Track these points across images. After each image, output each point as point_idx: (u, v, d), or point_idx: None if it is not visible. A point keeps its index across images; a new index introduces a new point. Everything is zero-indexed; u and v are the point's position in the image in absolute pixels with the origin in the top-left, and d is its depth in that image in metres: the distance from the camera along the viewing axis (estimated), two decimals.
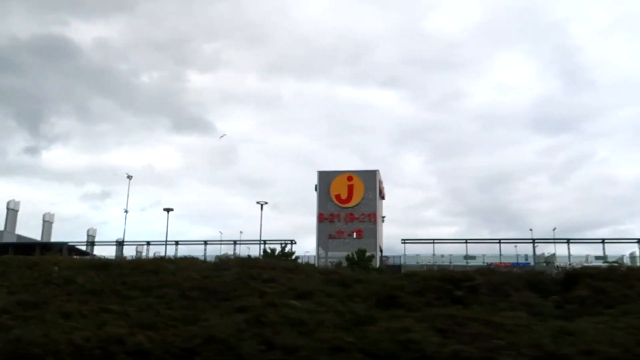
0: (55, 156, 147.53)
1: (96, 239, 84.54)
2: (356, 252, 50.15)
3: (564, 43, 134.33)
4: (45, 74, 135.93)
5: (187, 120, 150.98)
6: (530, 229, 67.23)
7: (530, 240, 61.60)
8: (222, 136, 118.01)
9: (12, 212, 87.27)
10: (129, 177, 65.11)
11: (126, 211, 63.19)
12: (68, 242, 68.11)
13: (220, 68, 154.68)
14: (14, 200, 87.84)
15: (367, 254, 50.45)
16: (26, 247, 72.18)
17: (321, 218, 65.35)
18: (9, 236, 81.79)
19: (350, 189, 65.97)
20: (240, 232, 72.63)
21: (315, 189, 66.99)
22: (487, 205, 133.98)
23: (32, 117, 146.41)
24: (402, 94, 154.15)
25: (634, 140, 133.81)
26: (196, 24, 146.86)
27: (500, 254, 59.04)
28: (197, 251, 67.21)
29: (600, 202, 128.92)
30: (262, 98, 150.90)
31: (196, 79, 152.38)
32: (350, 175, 66.52)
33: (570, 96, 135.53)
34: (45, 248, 70.06)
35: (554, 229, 67.06)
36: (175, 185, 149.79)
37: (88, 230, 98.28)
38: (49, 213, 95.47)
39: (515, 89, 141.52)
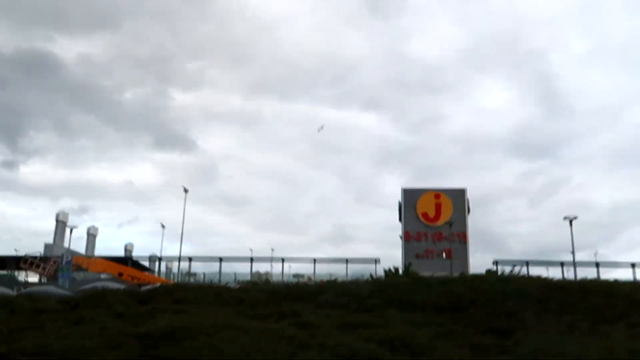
0: (32, 170, 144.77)
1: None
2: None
3: (543, 70, 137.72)
4: (27, 88, 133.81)
5: (169, 137, 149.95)
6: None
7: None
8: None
9: (61, 223, 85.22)
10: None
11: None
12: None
13: (203, 86, 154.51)
14: (63, 212, 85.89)
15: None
16: None
17: (407, 237, 62.13)
18: (53, 249, 79.48)
19: (438, 207, 62.89)
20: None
21: (399, 207, 64.04)
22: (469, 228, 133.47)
23: (10, 131, 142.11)
24: (384, 116, 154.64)
25: (608, 166, 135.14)
26: (180, 42, 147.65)
27: None
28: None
29: (576, 226, 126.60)
30: (245, 117, 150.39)
31: (179, 97, 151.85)
32: (437, 194, 63.54)
33: (549, 122, 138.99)
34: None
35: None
36: (154, 202, 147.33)
37: (126, 245, 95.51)
38: (93, 227, 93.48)
39: (495, 114, 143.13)
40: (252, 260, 65.12)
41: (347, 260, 63.50)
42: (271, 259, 65.29)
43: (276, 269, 65.48)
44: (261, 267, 67.45)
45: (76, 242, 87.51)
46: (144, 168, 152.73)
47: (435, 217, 62.56)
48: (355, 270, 60.25)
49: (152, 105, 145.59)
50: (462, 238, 61.79)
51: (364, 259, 62.52)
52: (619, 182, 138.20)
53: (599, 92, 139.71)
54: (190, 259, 64.61)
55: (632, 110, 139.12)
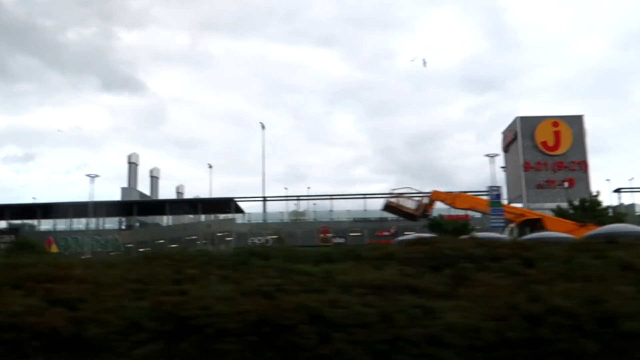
0: None
1: None
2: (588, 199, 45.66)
3: (492, 4, 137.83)
4: None
5: (116, 79, 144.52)
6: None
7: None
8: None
9: (133, 166, 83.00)
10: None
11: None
12: (234, 198, 63.53)
13: (149, 25, 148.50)
14: (135, 154, 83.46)
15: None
16: (157, 205, 67.54)
17: (527, 167, 60.34)
18: (131, 193, 77.56)
19: (557, 135, 60.67)
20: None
21: (515, 137, 61.85)
22: (416, 162, 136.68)
23: None
24: (336, 52, 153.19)
25: (554, 98, 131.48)
26: None
27: None
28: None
29: None
30: (194, 56, 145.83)
31: (125, 36, 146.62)
32: (555, 121, 61.09)
33: (498, 56, 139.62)
34: (210, 204, 65.79)
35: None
36: (103, 147, 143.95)
37: (177, 187, 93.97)
38: (156, 168, 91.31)
39: (445, 49, 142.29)
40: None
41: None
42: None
43: None
44: None
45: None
46: (91, 111, 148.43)
47: (554, 146, 60.56)
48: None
49: (97, 46, 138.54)
50: (583, 166, 60.10)
51: None
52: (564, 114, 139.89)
53: (546, 25, 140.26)
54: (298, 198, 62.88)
55: (579, 43, 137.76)
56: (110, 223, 65.86)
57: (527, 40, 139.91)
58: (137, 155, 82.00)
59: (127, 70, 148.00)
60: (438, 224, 43.11)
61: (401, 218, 49.55)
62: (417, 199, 41.87)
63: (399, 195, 43.40)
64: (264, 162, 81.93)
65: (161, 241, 62.45)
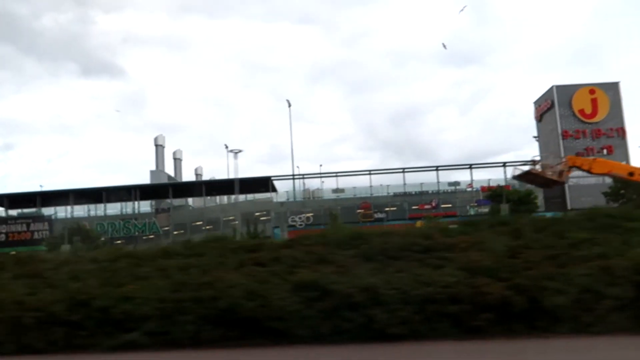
0: None
1: None
2: None
3: None
4: None
5: (95, 64, 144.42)
6: None
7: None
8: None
9: (160, 148, 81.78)
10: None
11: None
12: (271, 177, 62.68)
13: (125, 7, 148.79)
14: (161, 136, 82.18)
15: None
16: (194, 186, 66.53)
17: (566, 135, 60.05)
18: (160, 176, 76.48)
19: (594, 102, 60.25)
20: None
21: (552, 105, 61.45)
22: (398, 138, 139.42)
23: None
24: (316, 30, 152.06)
25: (530, 72, 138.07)
26: None
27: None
28: None
29: (502, 131, 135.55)
30: (172, 38, 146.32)
31: (101, 20, 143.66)
32: (592, 88, 60.61)
33: (477, 30, 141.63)
34: (245, 184, 64.76)
35: None
36: (83, 134, 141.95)
37: (196, 169, 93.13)
38: (179, 150, 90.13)
39: (425, 24, 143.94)
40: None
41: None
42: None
43: None
44: None
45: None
46: (70, 99, 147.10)
47: (592, 114, 60.18)
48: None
49: (74, 31, 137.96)
50: (621, 133, 59.93)
51: None
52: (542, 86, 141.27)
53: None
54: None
55: (557, 17, 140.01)
56: (143, 207, 64.96)
57: (506, 14, 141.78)
58: (163, 137, 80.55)
59: (106, 55, 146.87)
60: (499, 195, 42.78)
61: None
62: (552, 166, 39.56)
63: (535, 163, 40.25)
64: (292, 140, 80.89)
65: (198, 223, 61.79)
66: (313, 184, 64.91)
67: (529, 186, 49.45)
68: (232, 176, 61.94)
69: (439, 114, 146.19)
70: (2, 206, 66.73)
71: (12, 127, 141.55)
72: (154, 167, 79.95)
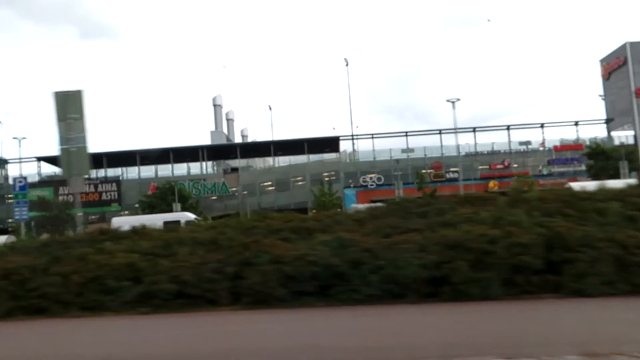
0: None
1: None
2: None
3: None
4: None
5: (93, 27, 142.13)
6: None
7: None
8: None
9: (218, 108, 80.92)
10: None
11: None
12: (340, 137, 61.96)
13: None
14: (219, 96, 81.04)
15: None
16: (262, 147, 65.85)
17: (639, 93, 59.39)
18: (220, 136, 75.94)
19: None
20: None
21: (624, 62, 60.55)
22: (399, 102, 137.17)
23: None
24: None
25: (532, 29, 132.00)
26: None
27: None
28: None
29: (503, 93, 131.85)
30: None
31: None
32: None
33: None
34: (313, 144, 64.13)
35: None
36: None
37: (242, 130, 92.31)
38: (231, 111, 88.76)
39: None
40: None
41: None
42: None
43: None
44: None
45: None
46: (69, 61, 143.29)
47: None
48: None
49: None
50: None
51: None
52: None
53: None
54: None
55: None
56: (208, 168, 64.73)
57: None
58: (220, 97, 79.56)
59: (104, 17, 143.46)
60: (600, 153, 42.59)
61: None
62: None
63: None
64: (350, 102, 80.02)
65: (266, 183, 61.74)
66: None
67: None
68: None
69: (439, 77, 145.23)
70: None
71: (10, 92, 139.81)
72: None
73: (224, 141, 73.17)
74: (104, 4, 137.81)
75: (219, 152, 65.21)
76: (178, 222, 32.78)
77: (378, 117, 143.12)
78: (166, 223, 32.70)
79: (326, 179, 58.28)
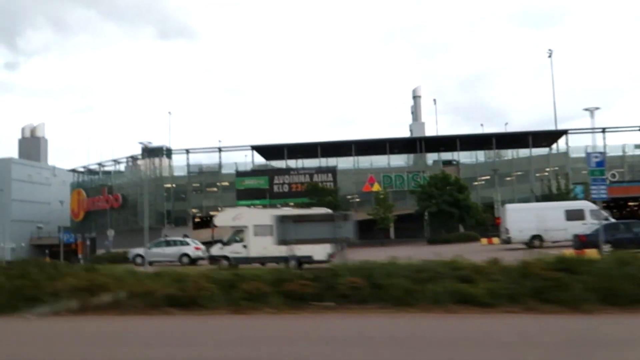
0: (36, 70, 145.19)
1: None
2: None
3: None
4: None
5: (171, 27, 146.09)
6: None
7: None
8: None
9: (418, 99, 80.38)
10: None
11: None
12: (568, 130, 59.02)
13: None
14: (418, 87, 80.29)
15: None
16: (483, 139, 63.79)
17: None
18: (422, 128, 74.80)
19: None
20: None
21: None
22: (467, 103, 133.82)
23: (9, 31, 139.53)
24: None
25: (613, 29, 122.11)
26: None
27: None
28: None
29: (577, 94, 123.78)
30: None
31: None
32: None
33: None
34: (536, 137, 62.01)
35: None
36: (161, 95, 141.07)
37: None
38: (418, 87, 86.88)
39: None
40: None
41: None
42: None
43: None
44: None
45: None
46: (148, 61, 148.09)
47: None
48: None
49: None
50: None
51: None
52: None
53: None
54: None
55: None
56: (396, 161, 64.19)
57: None
58: (420, 88, 79.23)
59: (182, 17, 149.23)
60: None
61: None
62: None
63: None
64: (554, 94, 76.93)
65: (486, 177, 60.12)
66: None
67: None
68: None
69: (511, 77, 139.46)
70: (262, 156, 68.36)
71: (91, 89, 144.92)
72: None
73: (423, 133, 72.34)
74: (183, 5, 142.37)
75: (435, 143, 64.20)
76: (581, 210, 32.03)
77: (446, 118, 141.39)
78: (568, 212, 32.10)
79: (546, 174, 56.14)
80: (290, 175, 63.36)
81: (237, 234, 25.94)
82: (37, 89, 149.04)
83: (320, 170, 62.52)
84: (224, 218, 27.17)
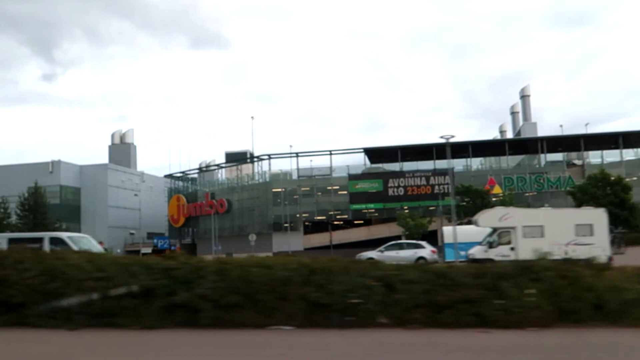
0: (70, 82, 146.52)
1: None
2: None
3: None
4: None
5: (203, 37, 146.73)
6: None
7: None
8: None
9: (527, 99, 78.15)
10: None
11: None
12: None
13: None
14: (527, 86, 77.83)
15: None
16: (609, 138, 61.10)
17: None
18: (533, 128, 72.65)
19: None
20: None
21: None
22: (499, 106, 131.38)
23: (45, 43, 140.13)
24: None
25: None
26: None
27: None
28: None
29: (613, 95, 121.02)
30: (276, 9, 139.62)
31: None
32: None
33: None
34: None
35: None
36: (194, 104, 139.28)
37: (500, 126, 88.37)
38: (527, 86, 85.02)
39: None
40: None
41: None
42: None
43: None
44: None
45: None
46: (180, 70, 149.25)
47: None
48: None
49: (184, 3, 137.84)
50: None
51: None
52: None
53: None
54: None
55: None
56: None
57: None
58: (528, 87, 77.38)
59: (213, 27, 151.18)
60: None
61: None
62: None
63: None
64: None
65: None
66: None
67: None
68: None
69: (544, 79, 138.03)
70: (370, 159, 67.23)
71: (125, 99, 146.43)
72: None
73: (535, 133, 70.19)
74: (215, 14, 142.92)
75: (561, 143, 61.96)
76: None
77: (475, 122, 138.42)
78: None
79: None
80: (406, 178, 62.03)
81: (501, 235, 24.70)
82: (71, 98, 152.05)
83: (435, 172, 60.98)
84: (490, 218, 25.82)
